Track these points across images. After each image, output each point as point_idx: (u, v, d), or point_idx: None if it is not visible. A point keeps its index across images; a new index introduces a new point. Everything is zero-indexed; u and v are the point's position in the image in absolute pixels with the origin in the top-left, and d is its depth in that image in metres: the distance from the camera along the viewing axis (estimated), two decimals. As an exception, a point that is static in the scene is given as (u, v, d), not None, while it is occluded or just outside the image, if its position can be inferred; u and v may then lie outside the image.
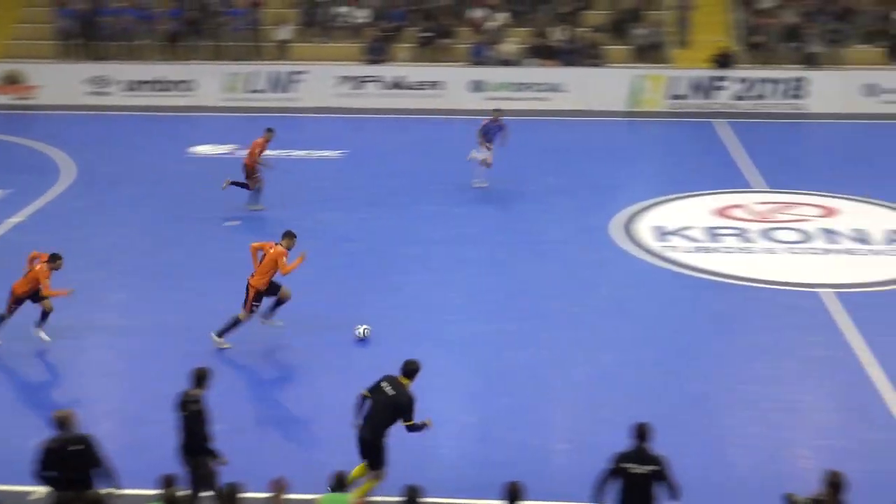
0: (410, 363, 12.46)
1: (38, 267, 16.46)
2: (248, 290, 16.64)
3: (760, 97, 32.55)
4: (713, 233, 22.01)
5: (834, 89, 32.44)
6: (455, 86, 33.24)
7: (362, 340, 16.96)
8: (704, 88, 32.75)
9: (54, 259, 16.60)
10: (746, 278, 19.78)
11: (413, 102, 33.03)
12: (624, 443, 11.21)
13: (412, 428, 12.21)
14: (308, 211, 23.22)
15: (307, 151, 28.08)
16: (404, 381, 12.32)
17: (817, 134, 31.48)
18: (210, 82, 33.53)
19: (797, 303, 18.76)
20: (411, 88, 33.39)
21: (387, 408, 12.10)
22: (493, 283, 19.60)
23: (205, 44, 34.67)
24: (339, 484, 11.13)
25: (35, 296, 16.65)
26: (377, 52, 33.91)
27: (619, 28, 34.44)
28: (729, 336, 17.65)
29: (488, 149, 24.18)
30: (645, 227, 22.28)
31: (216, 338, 16.68)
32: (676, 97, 32.84)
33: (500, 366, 16.33)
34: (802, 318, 18.13)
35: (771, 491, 12.67)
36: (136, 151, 28.38)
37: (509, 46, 33.82)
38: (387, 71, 33.58)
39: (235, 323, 16.67)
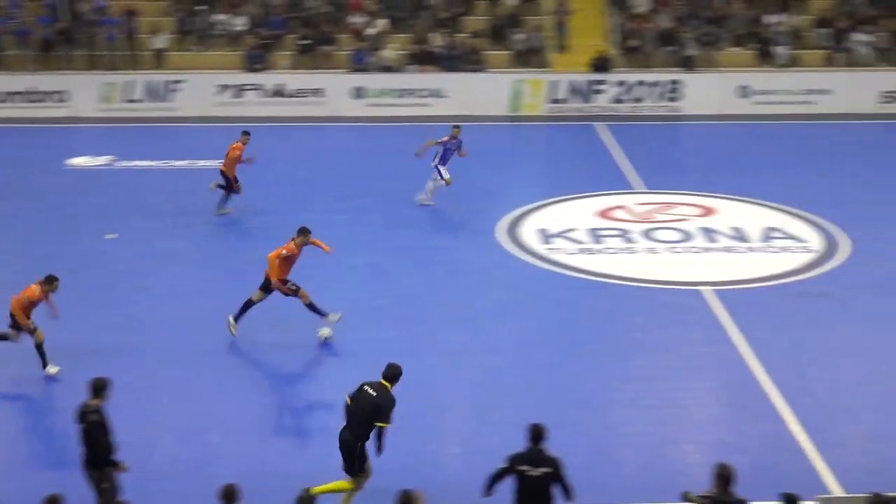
0: (392, 367, 12.53)
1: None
2: (269, 280, 16.96)
3: (638, 100, 33.12)
4: (596, 234, 22.29)
5: (709, 91, 33.20)
6: (336, 93, 33.09)
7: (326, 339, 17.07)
8: (583, 92, 33.20)
9: (50, 281, 15.91)
10: (629, 278, 20.08)
11: (294, 110, 32.78)
12: (515, 445, 11.25)
13: (382, 432, 12.16)
14: (192, 221, 22.85)
15: (189, 161, 27.62)
16: (386, 384, 12.38)
17: (694, 135, 32.16)
18: (85, 93, 32.77)
19: (679, 301, 19.11)
20: (292, 96, 33.14)
21: (367, 409, 12.14)
22: (379, 290, 19.53)
23: (79, 53, 33.89)
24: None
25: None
26: (257, 60, 33.58)
27: (498, 33, 34.71)
28: (613, 335, 17.87)
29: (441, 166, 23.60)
30: (529, 231, 22.46)
31: (327, 321, 16.96)
32: (556, 101, 33.21)
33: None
34: (685, 315, 18.47)
35: (658, 488, 12.90)
36: (9, 165, 27.55)
37: (390, 53, 33.81)
38: (267, 79, 33.26)
39: (312, 306, 16.95)
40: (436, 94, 33.12)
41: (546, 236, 22.16)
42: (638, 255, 21.29)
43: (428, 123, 31.48)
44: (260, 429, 14.79)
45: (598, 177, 26.31)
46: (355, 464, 12.29)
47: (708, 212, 23.72)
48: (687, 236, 22.21)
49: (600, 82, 33.13)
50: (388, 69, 33.61)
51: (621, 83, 33.21)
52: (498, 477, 11.15)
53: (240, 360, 17.03)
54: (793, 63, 34.08)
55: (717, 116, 32.64)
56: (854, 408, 15.45)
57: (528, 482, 10.98)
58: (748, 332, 17.63)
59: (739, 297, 19.24)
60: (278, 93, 33.12)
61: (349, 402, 12.33)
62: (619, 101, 33.13)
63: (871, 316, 18.44)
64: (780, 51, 33.98)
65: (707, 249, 21.54)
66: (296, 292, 17.07)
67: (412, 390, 15.58)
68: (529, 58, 34.17)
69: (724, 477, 10.55)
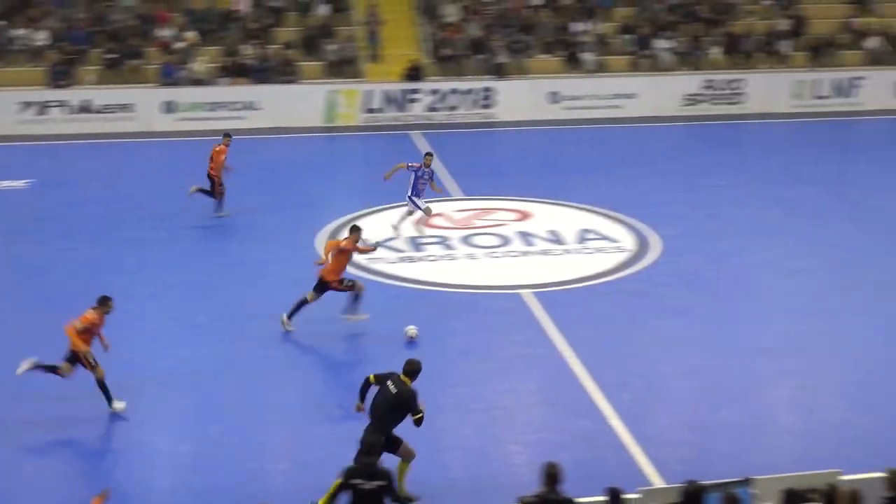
0: (412, 363, 12.91)
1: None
2: (323, 282, 17.53)
3: (452, 108, 33.48)
4: (416, 242, 22.38)
5: (520, 98, 33.83)
6: (146, 108, 32.32)
7: (412, 342, 17.33)
8: (398, 101, 33.35)
9: (105, 302, 14.99)
10: (450, 284, 20.23)
11: (103, 126, 31.85)
12: (342, 458, 11.16)
13: (420, 421, 12.67)
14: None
15: (-9, 182, 26.55)
16: (406, 380, 12.75)
17: (508, 141, 32.69)
18: None
19: (500, 305, 19.35)
20: (100, 112, 32.18)
21: (391, 406, 12.55)
22: (200, 307, 19.12)
23: None
24: None
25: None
26: (61, 76, 32.47)
27: (310, 44, 34.54)
28: (437, 341, 17.92)
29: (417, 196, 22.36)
30: (349, 241, 22.36)
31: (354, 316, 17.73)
32: (371, 111, 33.26)
33: (211, 391, 15.93)
34: (506, 319, 18.71)
35: (486, 489, 13.01)
36: None
37: (200, 66, 33.21)
38: (72, 95, 32.19)
39: (356, 297, 17.70)
40: (249, 106, 32.72)
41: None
42: (458, 261, 21.47)
43: (243, 136, 31.09)
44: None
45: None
46: (394, 448, 12.66)
47: (524, 216, 24.12)
48: (505, 241, 22.53)
49: (414, 91, 33.35)
50: (198, 82, 33.02)
51: (435, 92, 33.51)
52: (336, 491, 11.07)
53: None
54: (599, 69, 35.03)
55: (529, 122, 33.28)
56: (670, 400, 15.95)
57: (362, 496, 10.91)
58: (567, 331, 17.98)
59: (558, 298, 19.62)
60: (85, 108, 32.11)
61: (372, 381, 12.83)
62: (433, 109, 33.41)
63: (683, 311, 19.08)
64: (587, 57, 34.90)
65: (525, 253, 21.89)
66: (352, 287, 17.71)
67: (235, 407, 15.40)
68: (343, 68, 34.12)
69: (551, 476, 10.70)
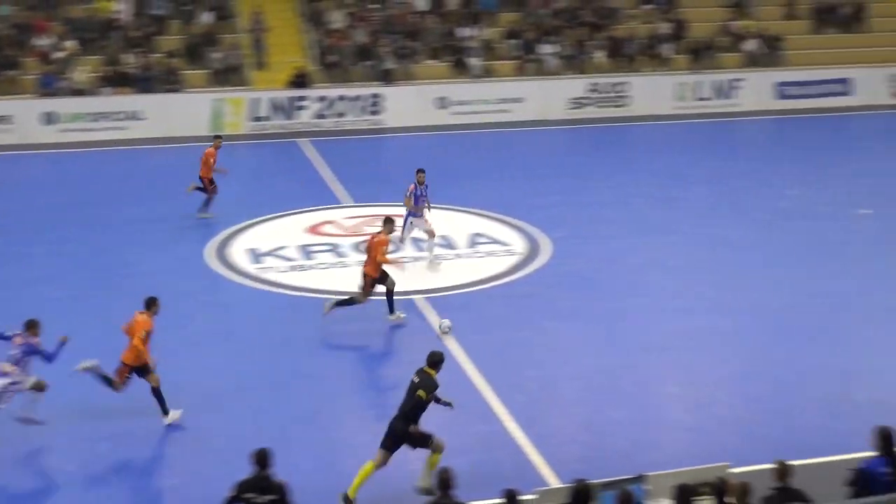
0: (434, 354, 13.44)
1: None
2: (364, 277, 18.01)
3: (340, 114, 33.39)
4: (307, 250, 22.24)
5: (408, 103, 33.88)
6: (25, 119, 31.54)
7: (446, 334, 17.72)
8: (285, 109, 33.14)
9: (151, 305, 14.97)
10: (343, 292, 20.08)
11: (-20, 139, 31.01)
12: (236, 471, 11.02)
13: (419, 404, 13.05)
14: None
15: None
16: (430, 371, 13.23)
17: (397, 147, 32.71)
18: None
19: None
20: (-23, 124, 31.33)
21: (412, 394, 13.05)
22: (84, 323, 18.67)
23: None
24: None
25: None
26: (-65, 88, 31.54)
27: (194, 52, 34.11)
28: (333, 350, 17.85)
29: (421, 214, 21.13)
30: (239, 251, 22.14)
31: (328, 305, 18.11)
32: (258, 119, 32.99)
33: (95, 405, 15.57)
34: (399, 325, 18.66)
35: (385, 496, 12.96)
36: None
37: (81, 75, 32.52)
38: (-53, 107, 31.30)
39: (351, 301, 18.08)
40: (133, 116, 32.17)
41: (256, 256, 21.91)
42: (350, 268, 21.33)
43: (126, 147, 30.59)
44: None
45: (305, 193, 26.26)
46: (422, 441, 13.12)
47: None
48: (397, 247, 22.48)
49: (301, 98, 33.17)
50: (79, 92, 32.33)
51: (322, 99, 33.38)
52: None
53: None
54: (486, 74, 35.28)
55: (418, 128, 33.34)
56: (564, 401, 16.11)
57: None
58: (461, 336, 18.02)
59: (451, 302, 19.66)
60: (-39, 121, 31.25)
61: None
62: (321, 116, 33.28)
63: (574, 312, 19.30)
64: (474, 62, 35.12)
65: (417, 258, 21.89)
66: (368, 293, 18.12)
67: (118, 421, 15.08)
68: (228, 76, 33.77)
69: (444, 481, 10.73)
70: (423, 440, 13.20)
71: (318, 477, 13.56)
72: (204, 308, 19.51)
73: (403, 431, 13.05)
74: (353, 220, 24.27)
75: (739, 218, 24.51)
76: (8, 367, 14.34)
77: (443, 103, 34.10)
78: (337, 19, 35.60)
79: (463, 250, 22.40)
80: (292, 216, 24.38)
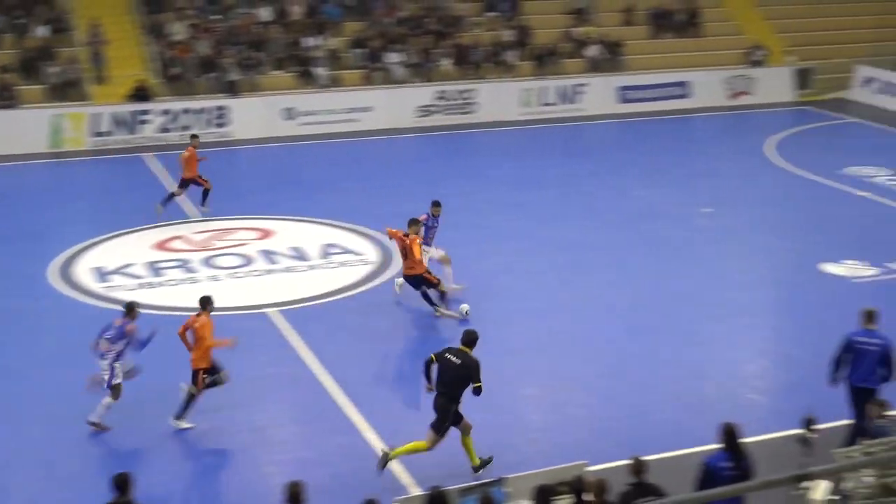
0: (469, 333, 14.04)
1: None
2: (420, 277, 18.79)
3: (185, 128, 32.70)
4: (155, 267, 21.76)
5: (255, 115, 33.50)
6: None
7: (465, 320, 18.45)
8: (128, 123, 32.37)
9: (206, 304, 15.55)
10: (195, 308, 19.72)
11: None
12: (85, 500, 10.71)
13: (479, 390, 13.69)
14: None
15: None
16: (465, 349, 13.78)
17: (245, 159, 32.22)
18: None
19: (247, 325, 19.02)
20: None
21: (455, 375, 13.64)
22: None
23: None
24: None
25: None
26: None
27: (30, 67, 33.06)
28: (182, 367, 17.43)
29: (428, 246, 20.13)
30: (84, 270, 21.53)
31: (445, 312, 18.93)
32: (100, 134, 32.13)
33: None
34: (254, 339, 18.41)
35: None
36: None
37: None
38: None
39: (440, 296, 18.98)
40: (-34, 134, 30.97)
41: (102, 274, 21.34)
42: (200, 283, 20.98)
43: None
44: None
45: (151, 208, 25.61)
46: (446, 423, 13.76)
47: (266, 234, 23.88)
48: (248, 260, 22.22)
49: (145, 112, 32.46)
50: None
51: (166, 112, 32.73)
52: None
53: None
54: (333, 83, 35.15)
55: (265, 139, 32.98)
56: (423, 408, 15.99)
57: None
58: (317, 347, 17.92)
59: (305, 314, 19.52)
60: None
61: (433, 360, 13.81)
62: (165, 130, 32.61)
63: (427, 320, 19.33)
64: (320, 72, 34.95)
65: (269, 271, 21.66)
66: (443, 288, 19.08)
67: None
68: (66, 91, 32.82)
69: (294, 496, 10.62)
70: (458, 421, 13.93)
71: (179, 498, 13.27)
72: (49, 329, 18.88)
73: (447, 408, 13.69)
74: (202, 234, 23.86)
75: (588, 220, 24.98)
76: (105, 346, 15.26)
77: (290, 114, 33.83)
78: (178, 31, 34.97)
79: (316, 261, 22.25)
80: (139, 232, 23.84)
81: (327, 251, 22.79)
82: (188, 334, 15.37)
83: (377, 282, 21.13)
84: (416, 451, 13.84)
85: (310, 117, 34.02)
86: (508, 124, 35.40)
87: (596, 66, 37.87)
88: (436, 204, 20.86)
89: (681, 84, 38.07)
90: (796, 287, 21.07)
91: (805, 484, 11.59)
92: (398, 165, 30.49)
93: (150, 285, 20.86)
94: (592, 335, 18.70)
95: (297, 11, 36.78)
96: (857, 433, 13.28)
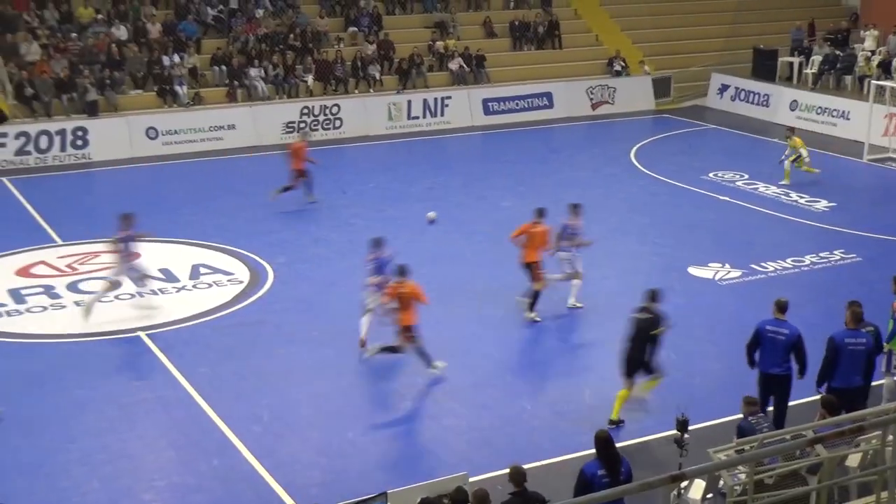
0: (653, 291, 15.98)
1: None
2: (530, 266, 19.59)
3: (43, 150, 31.88)
4: (18, 294, 21.10)
5: (116, 135, 32.78)
6: None
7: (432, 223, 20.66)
8: (-18, 147, 31.34)
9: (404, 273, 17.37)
10: (62, 335, 19.25)
11: None
12: None
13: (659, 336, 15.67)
14: None
15: None
16: (652, 304, 15.74)
17: (107, 181, 31.41)
18: None
19: (117, 350, 18.67)
20: None
21: (642, 330, 15.51)
22: None
23: None
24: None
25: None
26: None
27: None
28: (52, 396, 16.99)
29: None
30: (-58, 300, 20.77)
31: (528, 312, 19.66)
32: (-46, 159, 31.05)
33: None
34: (125, 364, 18.08)
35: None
36: None
37: None
38: None
39: (536, 295, 19.54)
40: None
41: (-38, 303, 20.61)
42: (67, 309, 20.45)
43: None
44: None
45: (10, 234, 24.84)
46: (650, 368, 15.69)
47: (133, 257, 23.32)
48: (115, 284, 21.70)
49: (1, 135, 31.47)
50: None
51: (22, 134, 31.77)
52: None
53: None
54: (196, 101, 34.65)
55: (128, 160, 32.31)
56: (300, 427, 15.99)
57: None
58: (190, 370, 17.62)
59: (177, 337, 19.18)
60: None
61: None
62: (23, 153, 31.64)
63: (302, 337, 19.21)
64: (182, 90, 34.43)
65: (138, 294, 21.19)
66: (541, 278, 19.81)
67: None
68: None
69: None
70: (653, 370, 15.75)
71: None
72: None
73: (640, 360, 15.48)
74: (65, 259, 23.24)
75: (458, 233, 25.12)
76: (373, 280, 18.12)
77: (152, 133, 33.22)
78: (33, 51, 34.00)
79: (185, 282, 21.87)
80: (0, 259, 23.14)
81: (197, 272, 22.42)
82: None
83: (248, 301, 20.89)
84: (624, 400, 15.70)
85: (173, 136, 33.46)
86: (375, 139, 35.44)
87: (459, 79, 38.19)
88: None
89: (543, 95, 38.66)
90: (665, 291, 21.49)
91: (682, 484, 11.85)
92: (265, 183, 30.06)
93: (12, 313, 20.21)
94: (467, 345, 18.80)
95: (154, 30, 36.18)
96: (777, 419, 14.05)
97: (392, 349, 17.40)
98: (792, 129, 30.28)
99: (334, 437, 15.61)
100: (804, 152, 28.92)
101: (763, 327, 14.94)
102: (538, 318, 19.67)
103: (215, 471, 14.62)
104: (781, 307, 15.04)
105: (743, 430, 12.86)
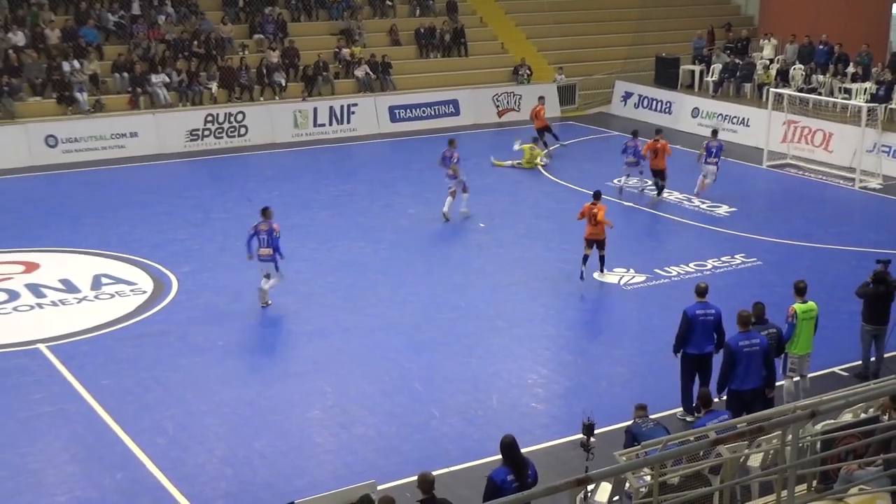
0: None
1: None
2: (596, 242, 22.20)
3: (-61, 159, 31.07)
4: (-89, 307, 20.53)
5: (14, 144, 32.05)
6: None
7: None
8: None
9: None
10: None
11: None
12: None
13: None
14: None
15: None
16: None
17: (4, 190, 30.57)
18: None
19: (15, 363, 18.20)
20: None
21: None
22: None
23: None
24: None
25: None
26: None
27: None
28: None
29: None
30: None
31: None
32: None
33: None
34: (24, 377, 17.63)
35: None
36: None
37: None
38: None
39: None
40: None
41: None
42: (-11, 318, 19.93)
43: None
44: None
45: None
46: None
47: (32, 267, 22.87)
48: (13, 295, 21.23)
49: None
50: None
51: (-84, 143, 30.95)
52: None
53: None
54: (97, 109, 34.04)
55: (26, 168, 31.62)
56: (206, 437, 15.76)
57: None
58: (92, 383, 17.29)
59: (78, 349, 18.80)
60: None
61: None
62: (-83, 161, 30.83)
63: (208, 346, 18.97)
64: (83, 97, 33.80)
65: (37, 306, 20.75)
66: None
67: None
68: None
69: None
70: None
71: None
72: None
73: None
74: (-38, 270, 22.67)
75: (365, 240, 25.05)
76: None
77: (52, 142, 32.55)
78: (-74, 57, 33.16)
79: (87, 293, 21.44)
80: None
81: (99, 282, 22.01)
82: None
83: (152, 311, 20.57)
84: None
85: (73, 144, 32.84)
86: (281, 146, 35.19)
87: (366, 87, 38.11)
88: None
89: (450, 102, 38.78)
90: (571, 296, 21.72)
91: (589, 487, 11.94)
92: (169, 191, 29.75)
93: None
94: (375, 353, 18.74)
95: (53, 35, 35.46)
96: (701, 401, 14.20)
97: None
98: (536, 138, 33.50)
99: (241, 447, 15.43)
100: (533, 154, 32.41)
101: (693, 312, 15.74)
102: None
103: (119, 484, 14.34)
104: (702, 291, 15.99)
105: (632, 432, 13.25)
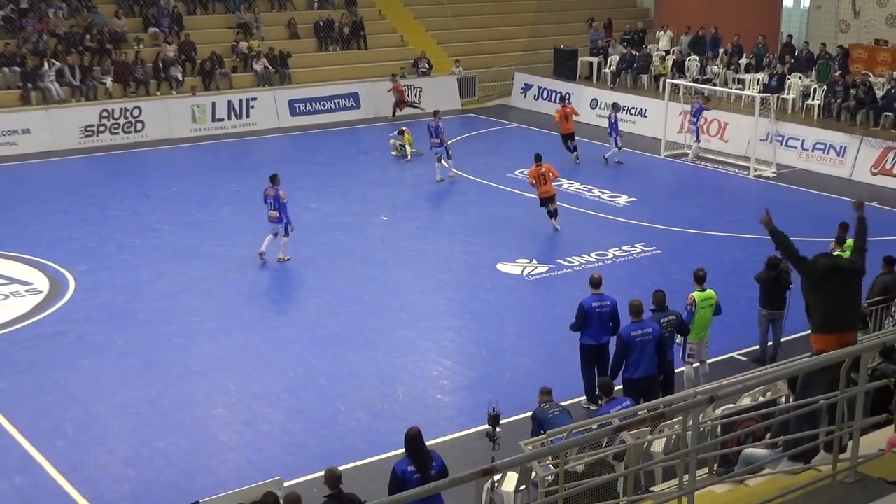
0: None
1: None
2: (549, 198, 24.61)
3: None
4: None
5: None
6: None
7: None
8: None
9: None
10: None
11: None
12: None
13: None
14: None
15: None
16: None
17: None
18: None
19: None
20: None
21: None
22: None
23: None
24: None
25: None
26: None
27: None
28: None
29: None
30: None
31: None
32: None
33: None
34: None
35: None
36: None
37: None
38: None
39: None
40: None
41: None
42: None
43: None
44: None
45: None
46: None
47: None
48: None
49: None
50: None
51: None
52: None
53: None
54: (-14, 105, 33.20)
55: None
56: (107, 439, 15.48)
57: None
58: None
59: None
60: None
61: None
62: None
63: (107, 347, 18.65)
64: (-28, 94, 32.94)
65: (-73, 309, 20.16)
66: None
67: None
68: None
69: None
70: None
71: None
72: None
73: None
74: None
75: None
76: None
77: (-60, 139, 31.69)
78: None
79: (-21, 294, 20.91)
80: None
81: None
82: None
83: (48, 311, 20.12)
84: None
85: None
86: (179, 141, 34.68)
87: (264, 80, 37.75)
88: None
89: (350, 96, 38.62)
90: (474, 287, 21.80)
91: (495, 477, 11.99)
92: (64, 189, 29.10)
93: None
94: (278, 350, 18.59)
95: (-61, 29, 34.52)
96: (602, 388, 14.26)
97: None
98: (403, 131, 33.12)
99: (143, 448, 15.19)
100: (408, 148, 32.43)
101: (589, 304, 15.98)
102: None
103: (17, 489, 14.02)
104: (596, 283, 16.26)
105: (538, 418, 13.39)
